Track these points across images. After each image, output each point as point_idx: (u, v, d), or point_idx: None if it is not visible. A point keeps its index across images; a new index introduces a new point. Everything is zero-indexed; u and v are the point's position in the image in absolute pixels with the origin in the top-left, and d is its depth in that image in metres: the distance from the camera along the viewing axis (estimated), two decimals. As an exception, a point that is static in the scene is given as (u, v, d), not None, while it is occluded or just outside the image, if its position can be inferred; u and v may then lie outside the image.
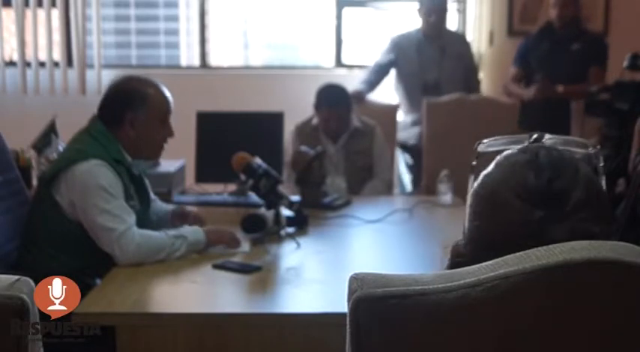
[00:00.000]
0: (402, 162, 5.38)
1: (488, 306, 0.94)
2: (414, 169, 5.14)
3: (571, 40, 5.06)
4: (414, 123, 5.15)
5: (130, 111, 2.79)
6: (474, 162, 1.24)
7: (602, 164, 1.23)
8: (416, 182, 5.08)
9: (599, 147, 1.24)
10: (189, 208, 3.11)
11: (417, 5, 5.29)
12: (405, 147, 5.27)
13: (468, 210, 1.20)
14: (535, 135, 1.25)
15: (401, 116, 5.29)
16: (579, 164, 1.18)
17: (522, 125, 5.16)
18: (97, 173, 2.67)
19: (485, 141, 1.27)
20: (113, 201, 2.66)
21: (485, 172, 1.20)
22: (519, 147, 1.22)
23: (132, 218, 2.69)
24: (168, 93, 2.88)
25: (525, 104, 5.17)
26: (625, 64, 4.25)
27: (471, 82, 5.33)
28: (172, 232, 2.78)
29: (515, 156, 1.19)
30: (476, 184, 1.20)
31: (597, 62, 5.01)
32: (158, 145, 2.92)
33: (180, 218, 3.07)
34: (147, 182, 2.99)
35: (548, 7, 5.24)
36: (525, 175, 1.14)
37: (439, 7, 5.22)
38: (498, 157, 1.21)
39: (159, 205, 3.10)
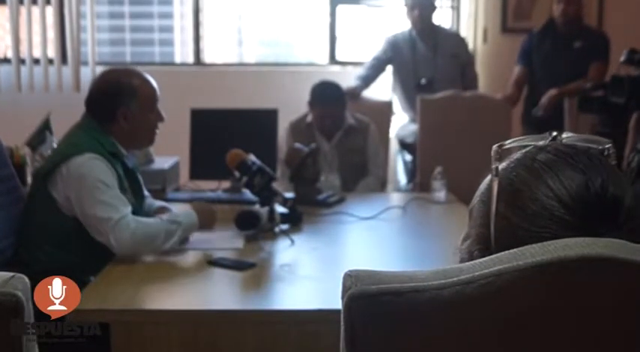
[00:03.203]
0: (399, 160, 5.38)
1: (482, 303, 0.94)
2: (413, 167, 5.14)
3: (573, 38, 5.06)
4: (412, 121, 5.15)
5: (121, 106, 2.79)
6: (494, 165, 1.05)
7: (614, 162, 1.06)
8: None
9: (611, 143, 1.07)
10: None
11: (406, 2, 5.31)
12: (404, 145, 5.28)
13: (493, 216, 1.04)
14: (554, 133, 1.07)
15: (399, 114, 5.30)
16: (613, 165, 1.03)
17: (526, 124, 5.17)
18: (93, 166, 2.67)
19: (506, 142, 1.07)
20: (109, 192, 2.66)
21: (507, 174, 1.04)
22: (541, 144, 1.06)
23: (127, 208, 2.68)
24: (152, 80, 2.88)
25: (527, 103, 5.18)
26: (622, 58, 4.26)
27: (467, 80, 5.33)
28: (166, 217, 2.79)
29: (544, 156, 1.03)
30: (498, 188, 1.04)
31: (599, 58, 5.01)
32: (151, 132, 2.92)
33: None
34: (140, 177, 2.99)
35: (544, 5, 5.25)
36: (573, 179, 1.00)
37: (422, 0, 5.22)
38: (519, 157, 1.06)
39: (150, 202, 3.09)
